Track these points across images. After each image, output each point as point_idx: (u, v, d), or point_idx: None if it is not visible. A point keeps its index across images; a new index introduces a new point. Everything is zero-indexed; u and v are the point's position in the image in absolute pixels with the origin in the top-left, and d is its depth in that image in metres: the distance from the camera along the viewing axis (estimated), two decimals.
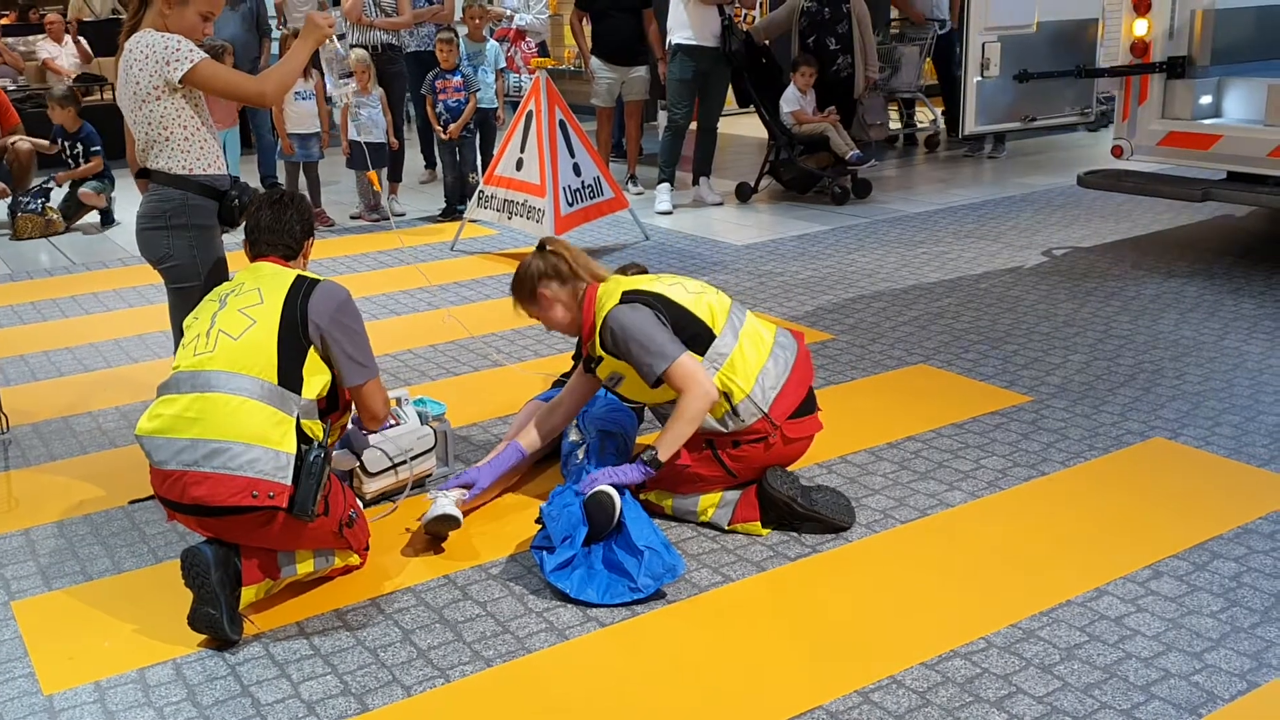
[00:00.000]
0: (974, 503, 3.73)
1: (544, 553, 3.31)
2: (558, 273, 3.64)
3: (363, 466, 3.77)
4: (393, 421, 3.88)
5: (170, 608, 3.18)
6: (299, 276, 3.32)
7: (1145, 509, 3.64)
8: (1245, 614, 3.05)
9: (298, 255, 3.52)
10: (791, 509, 3.50)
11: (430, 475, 4.00)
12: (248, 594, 3.12)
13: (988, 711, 2.69)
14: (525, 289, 3.69)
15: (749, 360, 3.51)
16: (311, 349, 3.20)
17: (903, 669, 2.86)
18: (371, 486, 3.81)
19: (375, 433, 3.76)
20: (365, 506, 3.75)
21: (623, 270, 3.87)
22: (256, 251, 3.48)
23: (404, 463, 3.85)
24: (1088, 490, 3.78)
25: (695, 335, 3.50)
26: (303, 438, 3.11)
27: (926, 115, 11.47)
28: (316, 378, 3.21)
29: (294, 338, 3.18)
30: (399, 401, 3.99)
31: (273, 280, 3.30)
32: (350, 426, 3.68)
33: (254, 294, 3.26)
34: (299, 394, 3.15)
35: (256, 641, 3.09)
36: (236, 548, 3.11)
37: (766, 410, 3.48)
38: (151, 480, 3.13)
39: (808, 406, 3.61)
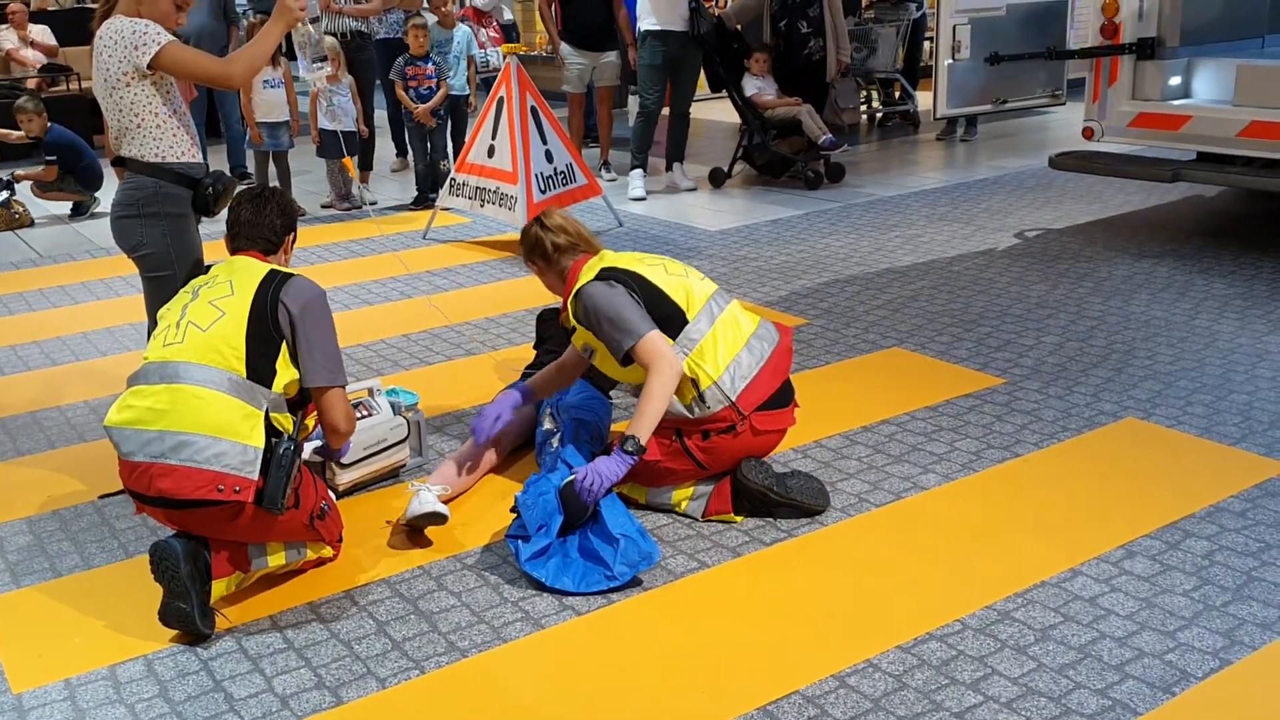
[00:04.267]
0: (948, 485, 3.74)
1: (519, 542, 3.29)
2: (543, 253, 3.72)
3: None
4: (365, 413, 3.85)
5: (141, 603, 3.15)
6: (272, 270, 3.30)
7: (1118, 489, 3.66)
8: (1217, 592, 3.07)
9: (278, 250, 3.51)
10: (766, 497, 3.50)
11: (404, 466, 3.98)
12: (218, 587, 3.10)
13: (963, 693, 2.70)
14: (523, 253, 3.82)
15: (720, 348, 3.50)
16: (284, 345, 3.17)
17: (878, 652, 2.86)
18: (344, 478, 3.78)
19: (341, 452, 3.67)
20: (338, 499, 3.72)
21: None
22: (236, 245, 3.47)
23: (377, 454, 3.83)
24: (1061, 471, 3.80)
25: (668, 317, 3.49)
26: (272, 431, 3.09)
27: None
28: (287, 371, 3.18)
29: (264, 330, 3.15)
30: (371, 392, 3.97)
31: (245, 273, 3.28)
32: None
33: (225, 286, 3.24)
34: (269, 387, 3.12)
35: (229, 635, 3.06)
36: (206, 541, 3.08)
37: (734, 399, 3.45)
38: (120, 472, 3.10)
39: (781, 400, 3.59)
